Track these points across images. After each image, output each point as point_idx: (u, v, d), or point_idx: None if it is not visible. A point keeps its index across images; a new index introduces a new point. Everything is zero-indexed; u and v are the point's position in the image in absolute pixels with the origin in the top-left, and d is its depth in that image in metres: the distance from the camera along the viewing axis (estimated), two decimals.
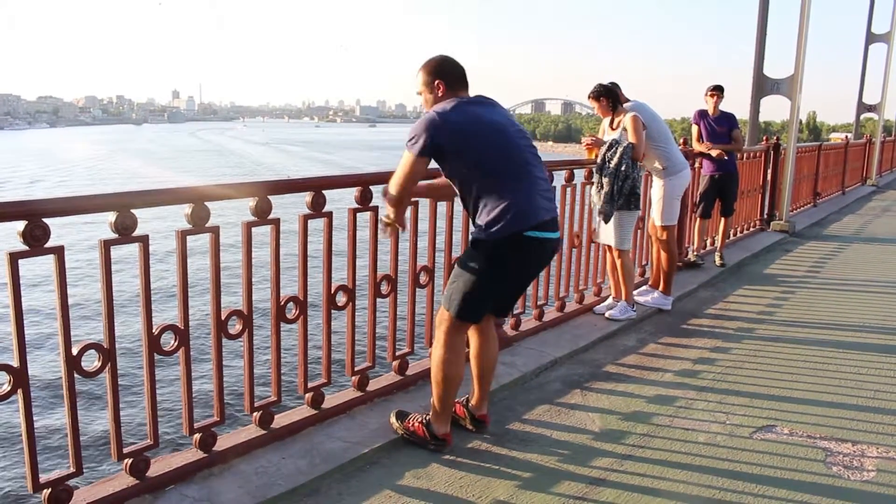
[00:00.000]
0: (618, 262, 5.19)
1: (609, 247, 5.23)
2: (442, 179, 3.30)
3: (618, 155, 4.89)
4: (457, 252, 3.91)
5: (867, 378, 4.17)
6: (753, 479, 2.99)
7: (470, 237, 3.10)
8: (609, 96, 5.14)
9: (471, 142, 2.91)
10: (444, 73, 3.06)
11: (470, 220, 3.11)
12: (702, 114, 7.07)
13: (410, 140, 2.92)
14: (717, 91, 7.01)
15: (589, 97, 5.26)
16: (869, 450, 3.26)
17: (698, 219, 7.13)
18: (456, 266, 3.13)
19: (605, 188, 4.91)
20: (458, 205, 3.54)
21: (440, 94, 3.03)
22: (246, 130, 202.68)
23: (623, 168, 4.88)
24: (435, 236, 3.78)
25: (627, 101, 5.25)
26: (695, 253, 7.07)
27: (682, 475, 3.01)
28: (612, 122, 5.19)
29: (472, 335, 3.22)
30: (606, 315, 5.11)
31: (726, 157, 7.00)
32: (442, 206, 3.80)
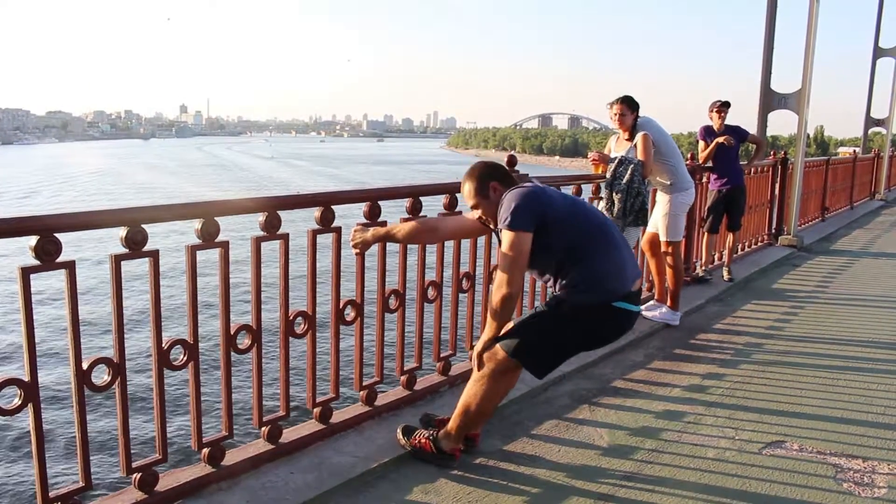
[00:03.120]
0: None
1: None
2: (426, 221, 3.35)
3: (629, 171, 4.89)
4: (464, 267, 3.93)
5: (877, 394, 4.15)
6: (763, 495, 2.98)
7: (553, 296, 3.06)
8: (637, 110, 5.13)
9: (562, 211, 2.94)
10: (494, 175, 3.07)
11: (552, 280, 3.04)
12: (707, 130, 7.06)
13: (509, 218, 2.85)
14: (724, 108, 7.00)
15: (620, 103, 5.12)
16: (880, 466, 3.24)
17: (706, 233, 7.11)
18: (530, 318, 3.08)
19: (618, 205, 4.91)
20: None
21: (497, 194, 3.02)
22: (265, 145, 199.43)
23: (635, 185, 4.88)
24: (444, 252, 3.79)
25: (638, 116, 5.24)
26: (703, 268, 7.05)
27: (690, 491, 2.99)
28: (630, 136, 5.16)
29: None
30: None
31: (733, 140, 6.94)
32: None
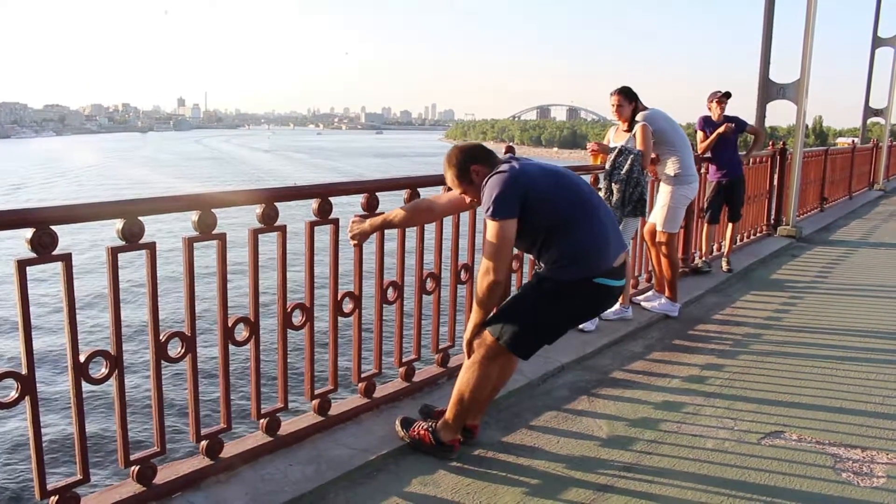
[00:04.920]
0: None
1: None
2: (420, 201, 3.32)
3: (629, 162, 4.88)
4: (463, 258, 3.92)
5: (876, 384, 4.15)
6: (762, 485, 2.98)
7: (535, 273, 3.07)
8: (635, 101, 5.10)
9: (544, 188, 2.90)
10: (474, 158, 3.03)
11: (534, 257, 3.05)
12: (706, 120, 7.04)
13: (491, 207, 2.83)
14: (724, 98, 6.97)
15: (618, 94, 5.07)
16: (879, 456, 3.24)
17: (706, 224, 7.10)
18: (514, 298, 3.09)
19: (616, 195, 4.90)
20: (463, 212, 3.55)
21: (481, 177, 2.98)
22: (265, 137, 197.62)
23: (634, 175, 4.87)
24: (441, 242, 3.78)
25: (645, 108, 5.21)
26: (702, 258, 7.04)
27: (689, 481, 2.99)
28: (629, 127, 5.12)
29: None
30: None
31: (733, 126, 6.93)
32: None
